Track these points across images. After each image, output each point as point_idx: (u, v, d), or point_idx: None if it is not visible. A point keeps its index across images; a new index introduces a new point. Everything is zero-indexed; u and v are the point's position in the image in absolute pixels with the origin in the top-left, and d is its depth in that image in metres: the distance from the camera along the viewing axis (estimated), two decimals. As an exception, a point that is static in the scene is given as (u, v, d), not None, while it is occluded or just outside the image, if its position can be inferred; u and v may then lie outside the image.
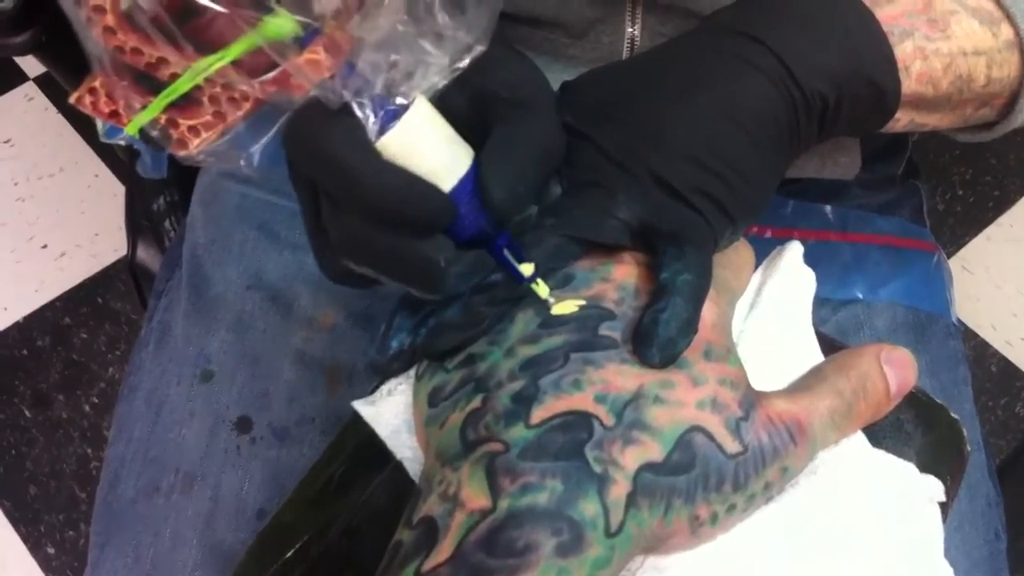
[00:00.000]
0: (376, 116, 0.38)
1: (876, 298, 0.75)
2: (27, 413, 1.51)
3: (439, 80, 0.39)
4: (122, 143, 0.41)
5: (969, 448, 0.48)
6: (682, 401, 0.39)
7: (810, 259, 0.49)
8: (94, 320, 1.59)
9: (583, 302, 0.42)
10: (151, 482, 0.68)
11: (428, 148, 0.40)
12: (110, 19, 0.36)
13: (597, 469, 0.36)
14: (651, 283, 0.42)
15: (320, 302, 0.73)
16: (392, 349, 0.44)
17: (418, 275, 0.40)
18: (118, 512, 0.69)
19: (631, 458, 0.37)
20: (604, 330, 0.41)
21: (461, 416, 0.40)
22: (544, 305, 0.42)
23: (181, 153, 0.39)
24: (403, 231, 0.39)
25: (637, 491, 0.37)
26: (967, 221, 1.71)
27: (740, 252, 0.47)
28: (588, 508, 0.36)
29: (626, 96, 0.46)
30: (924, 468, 0.44)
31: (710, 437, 0.38)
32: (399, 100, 0.38)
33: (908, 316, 0.75)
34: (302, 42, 0.36)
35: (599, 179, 0.44)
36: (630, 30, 0.66)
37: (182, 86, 0.37)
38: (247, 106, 0.38)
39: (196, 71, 0.36)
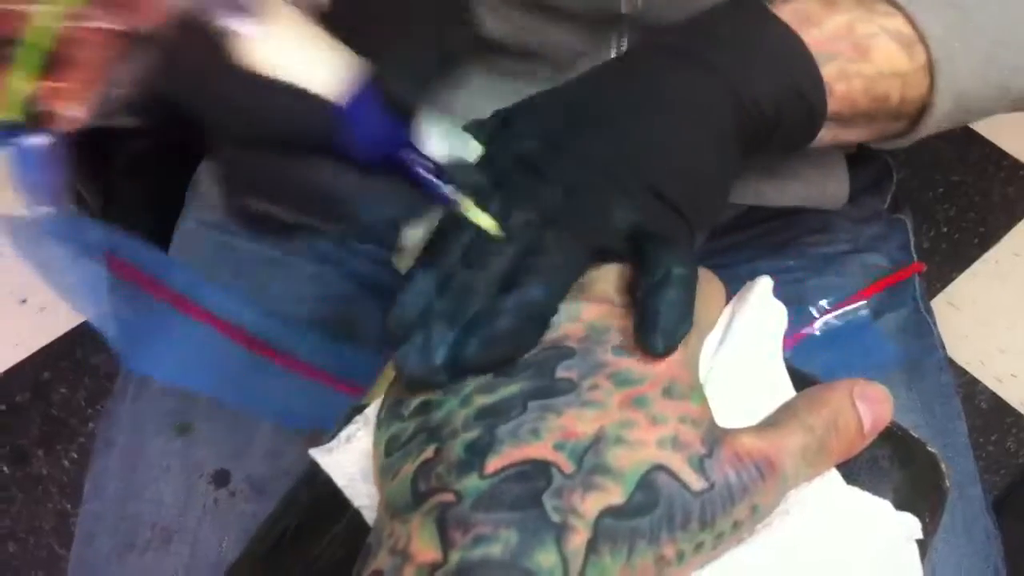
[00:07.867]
0: (239, 27, 0.35)
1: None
2: (6, 469, 1.48)
3: None
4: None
5: (948, 483, 0.47)
6: (643, 440, 0.38)
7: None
8: (73, 375, 1.57)
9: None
10: (126, 538, 0.67)
11: (299, 53, 0.36)
12: None
13: (555, 518, 0.35)
14: (623, 320, 0.42)
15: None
16: (439, 358, 0.41)
17: (321, 200, 0.39)
18: (93, 570, 0.67)
19: (591, 504, 0.36)
20: (561, 371, 0.40)
21: (413, 467, 0.39)
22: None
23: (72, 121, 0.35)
24: (298, 153, 0.37)
25: (598, 538, 0.35)
26: (952, 258, 1.71)
27: (709, 286, 0.47)
28: (545, 559, 0.34)
29: (592, 110, 0.49)
30: (902, 505, 0.43)
31: (673, 475, 0.37)
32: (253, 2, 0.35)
33: (899, 352, 0.74)
34: None
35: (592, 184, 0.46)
36: None
37: (39, 40, 0.32)
38: (117, 45, 0.33)
39: (47, 16, 0.32)
